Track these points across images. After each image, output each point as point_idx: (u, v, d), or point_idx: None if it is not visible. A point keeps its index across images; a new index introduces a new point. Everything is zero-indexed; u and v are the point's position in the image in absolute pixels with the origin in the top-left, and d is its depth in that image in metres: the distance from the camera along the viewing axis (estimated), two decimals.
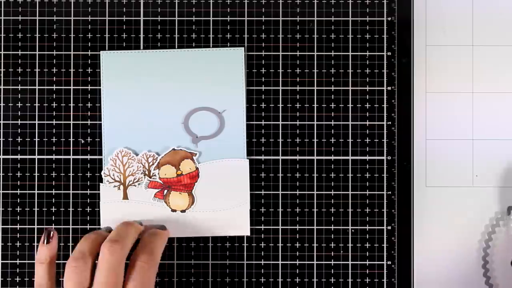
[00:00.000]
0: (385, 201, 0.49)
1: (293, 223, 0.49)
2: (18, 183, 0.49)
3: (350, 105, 0.49)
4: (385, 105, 0.49)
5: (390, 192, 0.49)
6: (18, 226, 0.48)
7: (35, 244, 0.48)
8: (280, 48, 0.49)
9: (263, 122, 0.49)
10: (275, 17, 0.49)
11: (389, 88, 0.49)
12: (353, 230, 0.49)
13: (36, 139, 0.49)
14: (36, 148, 0.49)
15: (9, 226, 0.48)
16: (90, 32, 0.49)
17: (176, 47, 0.49)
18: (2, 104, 0.49)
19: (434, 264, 0.49)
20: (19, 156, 0.49)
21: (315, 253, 0.49)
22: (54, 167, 0.49)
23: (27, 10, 0.49)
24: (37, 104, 0.49)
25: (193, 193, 0.48)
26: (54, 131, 0.49)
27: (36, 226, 0.48)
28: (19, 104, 0.49)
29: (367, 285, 0.48)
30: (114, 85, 0.48)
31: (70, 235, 0.48)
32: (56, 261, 0.48)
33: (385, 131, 0.49)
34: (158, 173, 0.48)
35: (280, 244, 0.49)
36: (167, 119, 0.48)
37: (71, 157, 0.49)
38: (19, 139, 0.49)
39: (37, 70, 0.49)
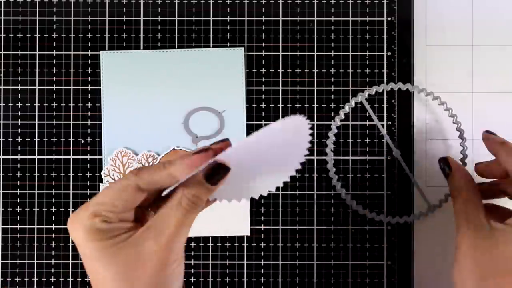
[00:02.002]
0: (385, 201, 0.49)
1: (293, 223, 0.49)
2: (18, 183, 0.49)
3: (347, 106, 0.49)
4: (385, 105, 0.49)
5: (390, 192, 0.49)
6: (18, 226, 0.48)
7: (35, 244, 0.48)
8: (280, 48, 0.49)
9: (263, 122, 0.49)
10: (275, 17, 0.49)
11: None
12: (353, 230, 0.49)
13: (36, 139, 0.49)
14: (36, 148, 0.49)
15: (9, 226, 0.48)
16: (90, 32, 0.49)
17: (176, 47, 0.49)
18: (2, 104, 0.49)
19: (434, 264, 0.48)
20: (19, 156, 0.49)
21: (315, 253, 0.49)
22: (54, 167, 0.49)
23: (27, 10, 0.49)
24: (37, 104, 0.49)
25: None
26: (54, 131, 0.49)
27: (36, 226, 0.48)
28: (19, 104, 0.49)
29: (367, 285, 0.48)
30: (114, 85, 0.48)
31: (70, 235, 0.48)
32: (55, 261, 0.48)
33: (385, 131, 0.49)
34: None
35: (280, 244, 0.49)
36: (167, 119, 0.48)
37: (71, 157, 0.49)
38: (19, 139, 0.49)
39: (37, 70, 0.49)
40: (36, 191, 0.49)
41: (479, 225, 0.34)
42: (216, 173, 0.30)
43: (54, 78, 0.49)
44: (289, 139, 0.32)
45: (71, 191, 0.49)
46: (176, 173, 0.30)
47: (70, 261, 0.48)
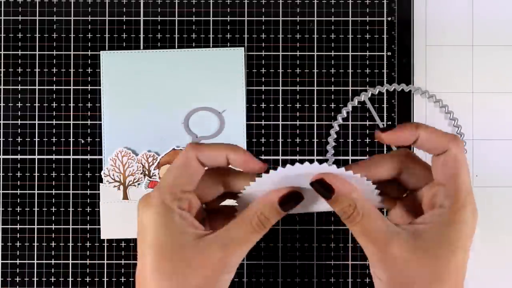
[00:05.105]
0: None
1: (293, 223, 0.49)
2: (18, 183, 0.49)
3: (350, 105, 0.49)
4: (385, 105, 0.49)
5: None
6: (18, 226, 0.48)
7: (35, 244, 0.48)
8: (280, 48, 0.49)
9: (263, 122, 0.49)
10: (275, 17, 0.49)
11: None
12: None
13: (36, 139, 0.49)
14: (36, 148, 0.49)
15: (9, 226, 0.48)
16: (90, 32, 0.49)
17: (176, 47, 0.49)
18: (2, 104, 0.49)
19: None
20: (19, 156, 0.49)
21: (315, 253, 0.49)
22: (54, 167, 0.49)
23: (27, 10, 0.49)
24: (37, 104, 0.49)
25: None
26: (54, 131, 0.49)
27: (36, 226, 0.48)
28: (19, 104, 0.49)
29: (367, 285, 0.48)
30: (114, 85, 0.48)
31: (70, 235, 0.48)
32: (55, 261, 0.48)
33: None
34: (158, 173, 0.48)
35: (280, 244, 0.49)
36: (167, 119, 0.48)
37: (71, 157, 0.49)
38: (19, 139, 0.49)
39: (37, 70, 0.49)
40: (36, 191, 0.49)
41: (402, 233, 0.30)
42: (291, 201, 0.31)
43: (54, 78, 0.49)
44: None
45: (71, 191, 0.49)
46: (231, 157, 0.31)
47: (70, 261, 0.48)
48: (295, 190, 0.31)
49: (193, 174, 0.32)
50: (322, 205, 0.32)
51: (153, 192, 0.32)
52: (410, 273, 0.29)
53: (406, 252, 0.29)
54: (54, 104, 0.49)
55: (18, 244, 0.48)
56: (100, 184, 0.48)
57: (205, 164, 0.32)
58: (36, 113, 0.49)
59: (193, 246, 0.30)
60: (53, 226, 0.48)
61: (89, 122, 0.49)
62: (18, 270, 0.48)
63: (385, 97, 0.49)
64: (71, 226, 0.48)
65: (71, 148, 0.49)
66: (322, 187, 0.30)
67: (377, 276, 0.31)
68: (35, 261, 0.48)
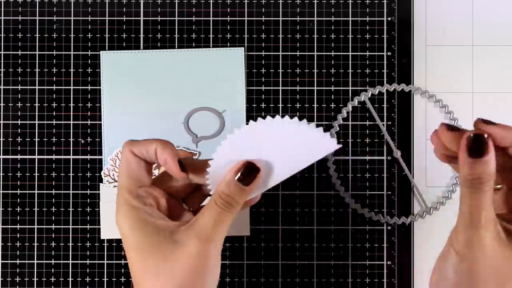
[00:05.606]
0: (385, 201, 0.49)
1: (293, 223, 0.49)
2: (18, 183, 0.49)
3: (350, 105, 0.49)
4: (385, 105, 0.49)
5: (390, 192, 0.49)
6: (18, 226, 0.48)
7: (35, 244, 0.48)
8: (280, 48, 0.49)
9: None
10: (275, 17, 0.49)
11: None
12: (353, 230, 0.49)
13: (36, 139, 0.49)
14: (36, 148, 0.49)
15: (9, 226, 0.48)
16: (90, 32, 0.49)
17: (176, 47, 0.49)
18: (2, 104, 0.49)
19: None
20: (19, 156, 0.49)
21: (315, 253, 0.49)
22: (54, 167, 0.49)
23: (27, 10, 0.49)
24: (37, 104, 0.49)
25: None
26: (54, 131, 0.49)
27: (36, 226, 0.48)
28: (19, 104, 0.49)
29: (367, 285, 0.48)
30: (114, 85, 0.48)
31: (70, 235, 0.48)
32: (55, 261, 0.48)
33: (386, 131, 0.49)
34: (158, 173, 0.48)
35: (280, 244, 0.49)
36: (167, 119, 0.48)
37: (71, 157, 0.49)
38: (19, 139, 0.49)
39: (37, 70, 0.49)
40: (36, 191, 0.49)
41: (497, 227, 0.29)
42: (248, 174, 0.31)
43: (54, 78, 0.49)
44: (302, 144, 0.32)
45: (71, 191, 0.49)
46: (158, 153, 0.32)
47: (70, 261, 0.48)
48: (249, 162, 0.31)
49: (136, 168, 0.32)
50: (289, 169, 0.32)
51: (117, 195, 0.33)
52: (495, 263, 0.29)
53: (497, 244, 0.29)
54: (54, 104, 0.49)
55: (18, 244, 0.48)
56: (100, 184, 0.48)
57: (141, 158, 0.32)
58: (36, 113, 0.49)
59: (169, 240, 0.31)
60: (53, 226, 0.48)
61: (89, 122, 0.49)
62: (18, 270, 0.48)
63: (385, 97, 0.49)
64: (71, 226, 0.48)
65: (71, 148, 0.49)
66: (479, 142, 0.28)
67: (455, 248, 0.30)
68: (35, 261, 0.48)
